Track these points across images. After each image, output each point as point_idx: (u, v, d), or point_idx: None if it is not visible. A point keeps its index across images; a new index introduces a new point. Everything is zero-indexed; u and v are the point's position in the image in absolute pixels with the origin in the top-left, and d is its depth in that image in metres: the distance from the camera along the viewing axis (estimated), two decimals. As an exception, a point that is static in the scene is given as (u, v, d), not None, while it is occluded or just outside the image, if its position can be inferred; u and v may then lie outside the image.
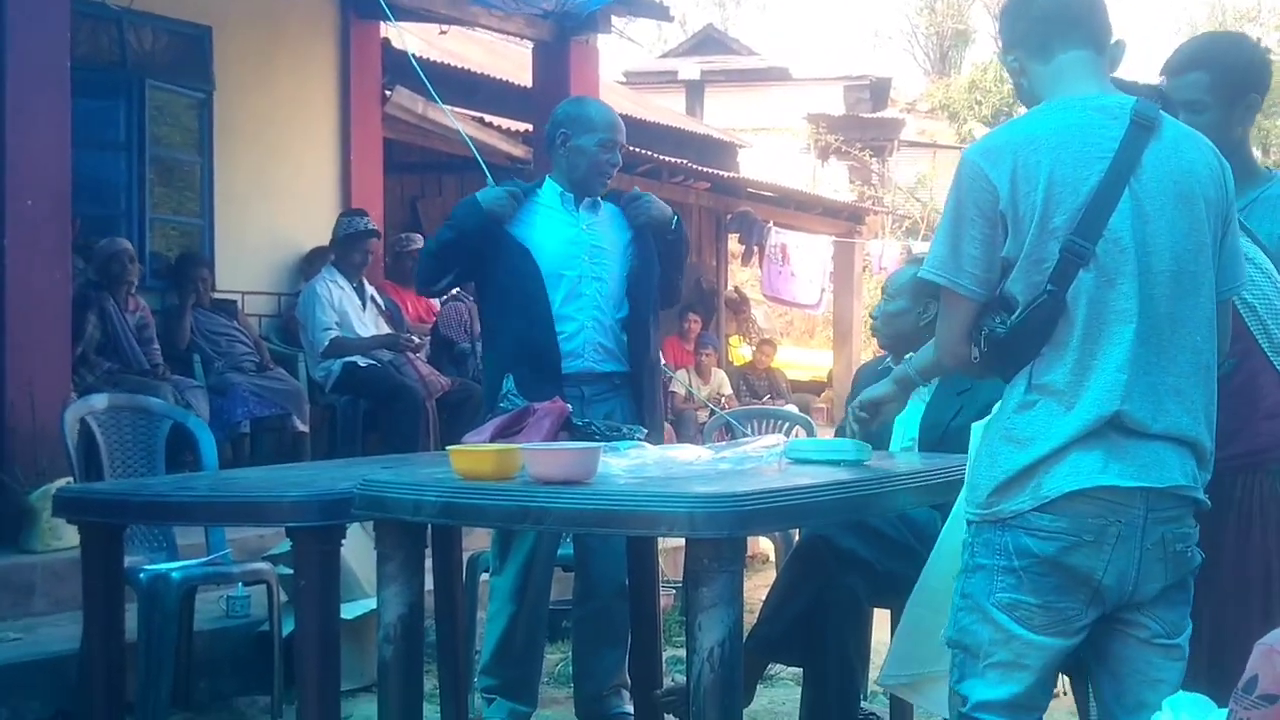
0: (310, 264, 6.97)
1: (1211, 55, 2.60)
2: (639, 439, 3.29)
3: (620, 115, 3.99)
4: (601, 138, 3.85)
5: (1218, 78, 2.55)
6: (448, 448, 2.49)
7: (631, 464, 2.44)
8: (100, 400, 4.31)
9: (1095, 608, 2.13)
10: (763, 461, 2.68)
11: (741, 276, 14.50)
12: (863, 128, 19.38)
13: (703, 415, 9.05)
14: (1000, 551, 2.11)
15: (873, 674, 4.17)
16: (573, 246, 3.86)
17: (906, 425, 3.53)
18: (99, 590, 2.91)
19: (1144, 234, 2.11)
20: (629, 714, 3.89)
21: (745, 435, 6.22)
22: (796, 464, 2.82)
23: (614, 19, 7.88)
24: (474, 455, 2.36)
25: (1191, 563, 2.19)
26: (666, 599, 5.33)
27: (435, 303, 7.52)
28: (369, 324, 6.63)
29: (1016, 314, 2.11)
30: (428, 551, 2.59)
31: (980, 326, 2.16)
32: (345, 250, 6.59)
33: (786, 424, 6.79)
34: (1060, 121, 2.14)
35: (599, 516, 2.20)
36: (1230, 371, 2.45)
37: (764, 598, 3.52)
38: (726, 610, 2.16)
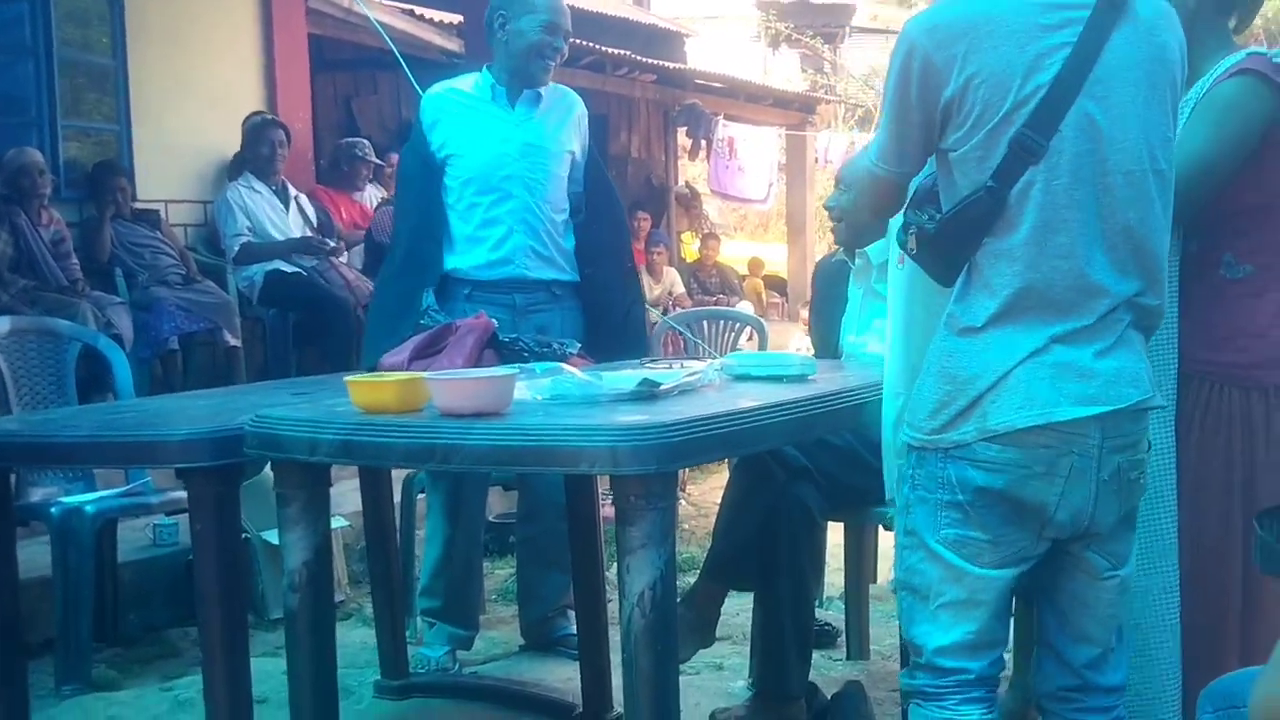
0: (236, 169, 6.64)
1: None
2: (572, 354, 3.09)
3: (565, 3, 3.69)
4: (543, 19, 3.55)
5: None
6: (345, 378, 2.26)
7: (553, 390, 2.22)
8: (2, 324, 4.05)
9: (1047, 539, 1.96)
10: (701, 379, 2.48)
11: (693, 171, 14.19)
12: (814, 14, 18.98)
13: (655, 317, 8.86)
14: (943, 484, 1.92)
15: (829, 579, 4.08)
16: (503, 145, 3.59)
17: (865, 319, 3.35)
18: (-13, 534, 2.68)
19: (1107, 130, 1.87)
20: (573, 635, 3.72)
21: (698, 344, 6.02)
22: (736, 380, 2.63)
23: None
24: (374, 387, 2.13)
25: (1142, 490, 2.02)
26: (612, 509, 5.16)
27: (370, 207, 7.22)
28: (294, 230, 6.32)
29: (950, 209, 1.90)
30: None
31: (909, 223, 1.96)
32: (252, 146, 6.38)
33: (738, 324, 6.61)
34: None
35: (512, 453, 1.98)
36: (1242, 278, 2.31)
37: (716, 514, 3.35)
38: (658, 551, 1.97)
